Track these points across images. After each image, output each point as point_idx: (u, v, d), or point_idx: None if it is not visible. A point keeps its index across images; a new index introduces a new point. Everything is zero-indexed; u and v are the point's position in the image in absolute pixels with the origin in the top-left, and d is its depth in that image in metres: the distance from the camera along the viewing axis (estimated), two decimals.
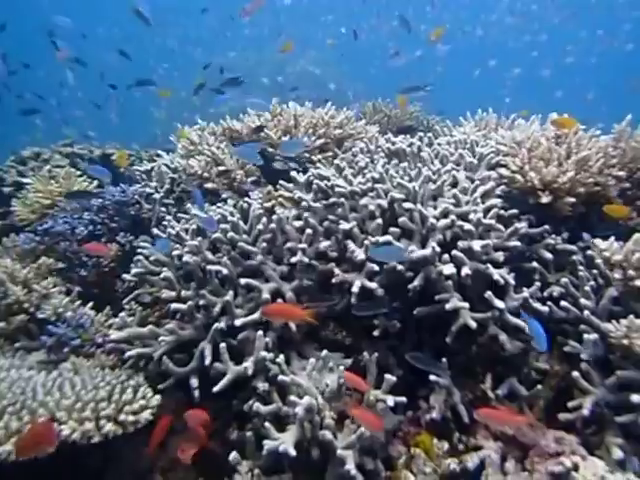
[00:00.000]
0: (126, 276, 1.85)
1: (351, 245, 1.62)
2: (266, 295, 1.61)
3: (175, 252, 1.71)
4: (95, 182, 3.11)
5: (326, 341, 1.68)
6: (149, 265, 1.78)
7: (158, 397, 1.46)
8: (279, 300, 1.63)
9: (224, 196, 2.04)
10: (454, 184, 1.78)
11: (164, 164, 2.67)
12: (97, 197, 2.48)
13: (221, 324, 1.57)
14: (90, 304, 1.95)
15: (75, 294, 2.03)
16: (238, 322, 1.54)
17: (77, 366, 1.60)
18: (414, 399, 1.56)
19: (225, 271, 1.62)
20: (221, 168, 2.06)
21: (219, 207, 1.87)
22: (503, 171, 1.76)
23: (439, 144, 2.07)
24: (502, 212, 1.65)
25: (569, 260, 1.62)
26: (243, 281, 1.63)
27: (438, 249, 1.49)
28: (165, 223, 1.94)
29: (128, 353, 1.54)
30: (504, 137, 2.04)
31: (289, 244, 1.73)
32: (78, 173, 2.96)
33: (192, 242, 1.69)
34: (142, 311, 1.87)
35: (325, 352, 1.53)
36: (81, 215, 2.43)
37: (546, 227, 1.62)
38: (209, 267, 1.63)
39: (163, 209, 2.38)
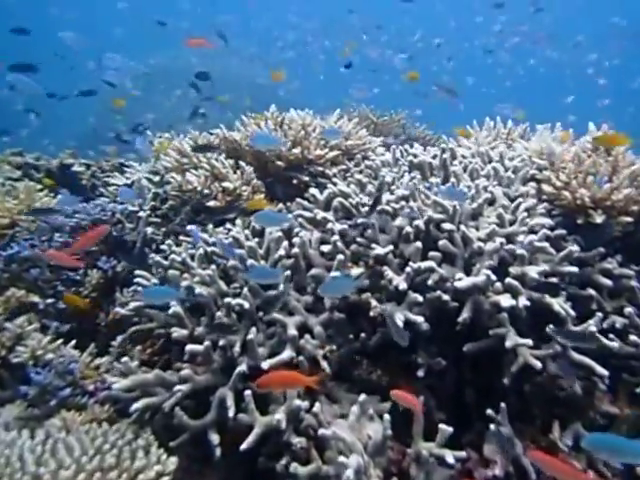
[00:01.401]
0: (120, 310, 1.65)
1: (388, 272, 1.49)
2: (293, 331, 1.45)
3: (184, 283, 1.53)
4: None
5: (359, 382, 1.53)
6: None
7: (174, 460, 1.28)
8: (307, 336, 1.48)
9: (230, 216, 1.87)
10: (491, 201, 1.69)
11: (145, 177, 2.48)
12: (69, 215, 2.26)
13: (242, 367, 1.40)
14: (72, 342, 1.74)
15: (53, 330, 1.81)
16: (265, 364, 1.38)
17: (68, 422, 1.39)
18: (457, 441, 1.43)
19: (247, 305, 1.45)
20: (225, 184, 1.89)
21: (229, 229, 1.70)
22: (545, 187, 1.67)
23: (463, 156, 1.97)
24: (548, 232, 1.55)
25: (626, 286, 1.54)
26: (268, 316, 1.47)
27: (494, 277, 1.37)
28: (164, 247, 1.76)
29: (135, 405, 1.34)
30: (530, 148, 1.97)
31: (314, 271, 1.58)
32: (39, 187, 2.72)
33: (204, 271, 1.52)
34: (139, 350, 1.68)
35: (363, 397, 1.38)
36: (51, 236, 2.20)
37: (600, 250, 1.54)
38: (227, 300, 1.46)
39: (149, 229, 2.19)
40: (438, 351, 1.51)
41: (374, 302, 1.48)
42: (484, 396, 1.49)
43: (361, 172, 2.03)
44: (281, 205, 1.90)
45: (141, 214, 2.22)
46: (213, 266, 1.53)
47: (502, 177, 1.75)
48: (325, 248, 1.55)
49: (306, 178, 1.99)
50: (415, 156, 1.94)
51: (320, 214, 1.66)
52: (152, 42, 10.19)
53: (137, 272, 1.68)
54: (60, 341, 1.70)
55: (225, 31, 5.09)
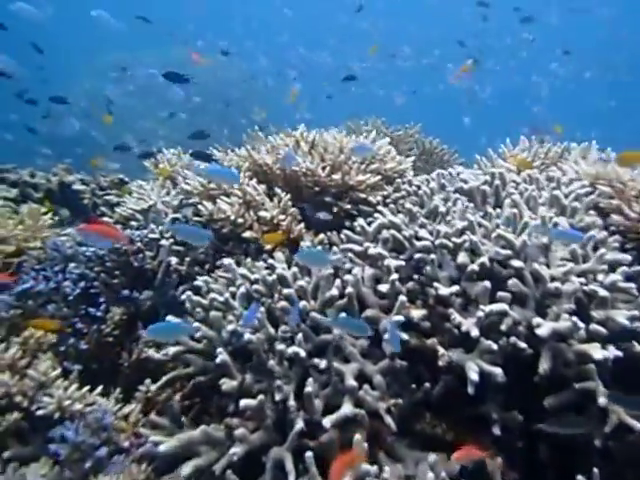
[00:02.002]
0: (155, 355, 1.53)
1: (455, 316, 1.38)
2: (351, 381, 1.33)
3: (230, 327, 1.41)
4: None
5: (422, 436, 1.41)
6: (190, 342, 1.47)
7: None
8: (365, 386, 1.36)
9: (267, 247, 1.75)
10: None
11: (162, 201, 2.36)
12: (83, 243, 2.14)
13: (299, 424, 1.28)
14: (98, 389, 1.62)
15: (76, 376, 1.68)
16: (327, 422, 1.25)
17: None
18: None
19: (302, 353, 1.33)
20: (262, 213, 1.77)
21: (271, 265, 1.58)
22: (616, 218, 1.57)
23: (515, 181, 1.87)
24: (628, 270, 1.45)
25: None
26: (324, 362, 1.35)
27: (581, 324, 1.26)
28: (199, 284, 1.64)
29: (185, 471, 1.22)
30: (583, 171, 1.88)
31: (369, 312, 1.47)
32: (43, 209, 2.59)
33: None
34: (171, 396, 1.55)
35: (434, 457, 1.27)
36: (63, 267, 2.07)
37: None
38: (280, 348, 1.34)
39: (174, 259, 2.06)
40: (511, 403, 1.40)
41: (441, 350, 1.37)
42: (560, 453, 1.38)
43: (403, 198, 1.93)
44: (322, 236, 1.78)
45: (163, 242, 2.10)
46: (262, 308, 1.41)
47: (565, 206, 1.65)
48: (383, 288, 1.44)
49: (348, 206, 1.87)
50: (465, 182, 1.84)
51: (373, 248, 1.55)
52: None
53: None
54: (86, 388, 1.57)
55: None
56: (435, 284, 1.44)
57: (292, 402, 1.31)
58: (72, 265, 2.06)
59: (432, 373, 1.45)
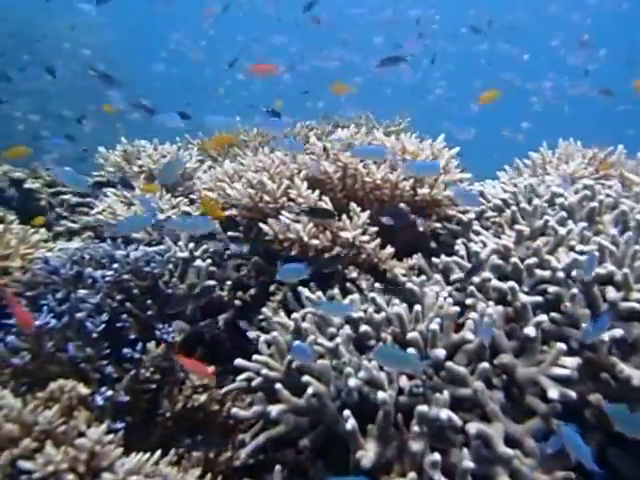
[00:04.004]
0: (240, 412, 1.28)
1: (622, 367, 1.22)
2: (503, 448, 1.15)
3: (351, 382, 1.18)
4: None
5: None
6: (292, 398, 1.24)
7: None
8: (515, 451, 1.18)
9: (352, 275, 1.53)
10: None
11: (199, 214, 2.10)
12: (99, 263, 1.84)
13: None
14: (167, 458, 1.35)
15: (120, 438, 1.39)
16: None
17: None
18: None
19: (444, 415, 1.13)
20: (344, 234, 1.55)
21: (373, 299, 1.37)
22: None
23: (608, 195, 1.75)
24: None
25: None
26: (474, 428, 1.15)
27: None
28: (267, 313, 1.41)
29: None
30: None
31: (504, 359, 1.29)
32: (32, 230, 2.25)
33: (374, 370, 1.18)
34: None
35: None
36: (67, 294, 1.75)
37: None
38: (422, 410, 1.13)
39: (212, 283, 1.81)
40: None
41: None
42: None
43: (482, 214, 1.76)
44: (413, 262, 1.58)
45: (199, 263, 1.83)
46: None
47: None
48: (531, 332, 1.26)
49: (437, 224, 1.69)
50: (564, 197, 1.70)
51: (498, 281, 1.37)
52: None
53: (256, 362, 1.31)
54: (156, 456, 1.30)
55: None
56: (586, 326, 1.28)
57: (438, 477, 1.11)
58: (83, 292, 1.74)
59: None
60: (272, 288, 1.77)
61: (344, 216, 1.61)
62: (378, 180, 1.70)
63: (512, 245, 1.49)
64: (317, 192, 1.71)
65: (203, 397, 1.58)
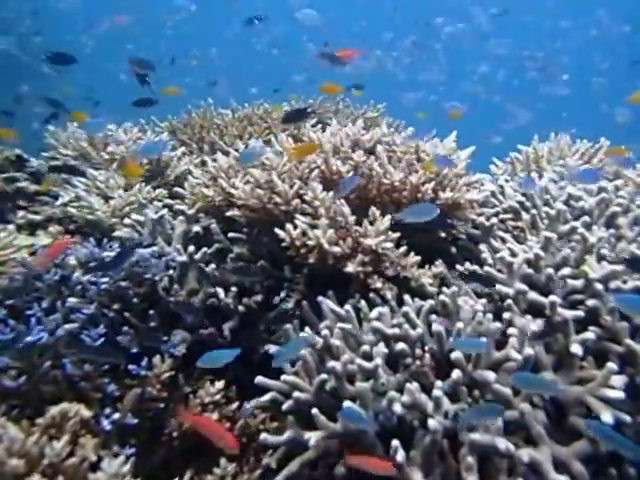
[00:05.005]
0: (270, 438, 1.19)
1: None
2: (554, 475, 1.11)
3: (398, 407, 1.11)
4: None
5: None
6: (330, 423, 1.16)
7: None
8: (566, 477, 1.14)
9: (377, 285, 1.45)
10: None
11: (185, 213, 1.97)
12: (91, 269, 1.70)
13: None
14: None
15: (130, 468, 1.28)
16: None
17: None
18: None
19: (502, 445, 1.07)
20: (368, 242, 1.47)
21: (406, 314, 1.30)
22: None
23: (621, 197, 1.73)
24: None
25: None
26: (527, 455, 1.10)
27: None
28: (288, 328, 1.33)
29: None
30: None
31: (548, 377, 1.24)
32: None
33: (409, 386, 1.11)
34: None
35: None
36: (52, 302, 1.61)
37: None
38: (473, 438, 1.07)
39: (221, 293, 1.70)
40: None
41: None
42: None
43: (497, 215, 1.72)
44: (439, 270, 1.52)
45: (201, 267, 1.72)
46: (438, 392, 1.13)
47: None
48: (577, 350, 1.21)
49: (461, 230, 1.63)
50: (579, 198, 1.67)
51: (540, 297, 1.32)
52: None
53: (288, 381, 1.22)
54: None
55: None
56: (627, 341, 1.25)
57: None
58: (73, 300, 1.61)
59: None
60: (282, 295, 1.68)
61: (365, 221, 1.53)
62: (396, 182, 1.62)
63: (543, 253, 1.44)
64: (331, 194, 1.62)
65: (214, 416, 1.48)
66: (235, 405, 1.54)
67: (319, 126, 2.38)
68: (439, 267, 1.53)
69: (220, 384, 1.54)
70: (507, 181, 2.05)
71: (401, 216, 1.46)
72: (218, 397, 1.51)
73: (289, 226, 1.52)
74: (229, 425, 1.50)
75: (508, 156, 2.78)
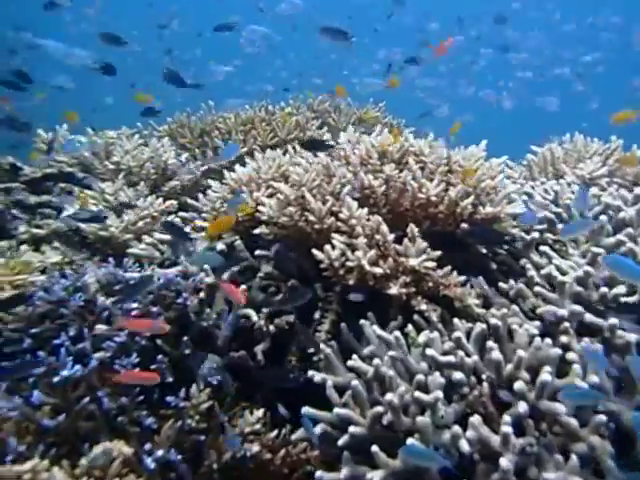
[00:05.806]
0: (326, 475, 1.15)
1: None
2: None
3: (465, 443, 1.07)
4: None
5: None
6: (390, 461, 1.11)
7: None
8: None
9: (422, 307, 1.40)
10: None
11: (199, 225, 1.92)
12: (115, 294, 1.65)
13: None
14: None
15: None
16: None
17: None
18: None
19: None
20: (411, 262, 1.43)
21: (457, 340, 1.25)
22: None
23: None
24: None
25: None
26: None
27: None
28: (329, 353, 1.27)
29: None
30: None
31: (613, 405, 1.20)
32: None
33: (473, 420, 1.07)
34: None
35: None
36: (80, 330, 1.55)
37: None
38: (547, 477, 1.03)
39: (253, 316, 1.65)
40: None
41: None
42: None
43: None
44: (484, 288, 1.47)
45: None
46: (507, 419, 1.09)
47: None
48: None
49: (503, 247, 1.58)
50: (620, 210, 1.63)
51: (599, 319, 1.28)
52: None
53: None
54: None
55: None
56: None
57: None
58: (102, 328, 1.55)
59: None
60: (317, 315, 1.63)
61: (405, 240, 1.48)
62: (433, 197, 1.57)
63: (593, 270, 1.40)
64: (366, 210, 1.57)
65: (255, 447, 1.43)
66: (274, 434, 1.49)
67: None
68: (483, 285, 1.48)
69: (260, 412, 1.49)
70: (533, 188, 2.02)
71: None
72: (258, 426, 1.46)
73: (327, 247, 1.47)
74: (270, 456, 1.45)
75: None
